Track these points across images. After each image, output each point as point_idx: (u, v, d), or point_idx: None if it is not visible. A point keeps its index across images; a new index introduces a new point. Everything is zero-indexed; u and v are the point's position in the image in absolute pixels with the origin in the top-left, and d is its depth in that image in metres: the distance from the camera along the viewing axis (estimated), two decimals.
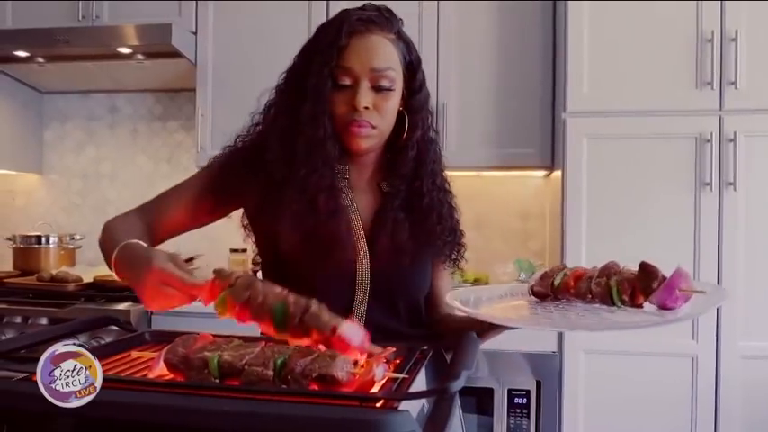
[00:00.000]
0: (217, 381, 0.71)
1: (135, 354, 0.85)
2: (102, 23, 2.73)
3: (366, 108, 1.07)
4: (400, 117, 1.15)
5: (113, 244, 0.98)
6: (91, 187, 3.21)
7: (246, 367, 0.70)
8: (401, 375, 0.74)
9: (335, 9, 2.63)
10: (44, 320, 2.40)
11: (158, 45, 2.59)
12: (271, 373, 0.70)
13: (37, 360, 0.65)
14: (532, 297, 1.08)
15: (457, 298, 1.04)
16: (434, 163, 1.18)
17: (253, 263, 2.85)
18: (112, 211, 3.40)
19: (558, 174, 2.40)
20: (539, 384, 2.24)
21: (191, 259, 2.94)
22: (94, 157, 3.21)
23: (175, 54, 2.62)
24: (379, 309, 1.12)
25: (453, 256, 1.20)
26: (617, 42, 2.22)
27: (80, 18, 2.75)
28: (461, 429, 1.05)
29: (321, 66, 1.07)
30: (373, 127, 1.09)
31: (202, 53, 2.72)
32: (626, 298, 0.94)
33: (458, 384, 0.64)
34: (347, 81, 1.08)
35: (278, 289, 0.81)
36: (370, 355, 0.77)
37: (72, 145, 3.23)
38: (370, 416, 0.63)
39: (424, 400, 0.75)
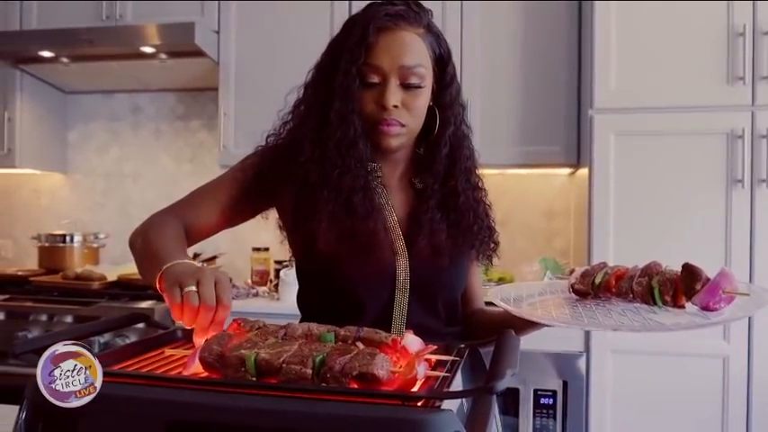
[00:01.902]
0: (254, 379, 0.70)
1: (168, 351, 0.84)
2: (126, 23, 2.75)
3: (395, 106, 1.06)
4: (431, 112, 1.12)
5: (157, 256, 0.95)
6: (114, 187, 3.23)
7: (284, 366, 0.69)
8: (442, 374, 0.73)
9: (358, 8, 2.64)
10: (69, 318, 2.42)
11: (181, 44, 2.59)
12: (309, 371, 0.68)
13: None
14: (572, 294, 1.06)
15: (498, 296, 1.03)
16: (468, 159, 1.16)
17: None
18: (136, 211, 3.46)
19: (583, 171, 2.37)
20: (565, 385, 2.21)
21: (213, 258, 2.95)
22: (118, 156, 3.23)
23: (198, 53, 2.63)
24: (419, 307, 1.11)
25: (488, 254, 1.19)
26: (644, 37, 2.18)
27: (104, 18, 2.77)
28: (497, 428, 1.03)
29: (349, 64, 1.05)
30: (403, 125, 1.08)
31: (225, 52, 2.72)
32: (668, 299, 0.93)
33: (503, 383, 0.62)
34: (375, 79, 1.06)
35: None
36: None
37: (96, 145, 3.25)
38: (414, 415, 0.61)
39: (462, 399, 0.73)
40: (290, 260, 1.28)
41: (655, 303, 0.94)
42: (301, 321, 1.18)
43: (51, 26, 2.77)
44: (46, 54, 2.71)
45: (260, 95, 2.70)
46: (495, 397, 0.85)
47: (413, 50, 1.06)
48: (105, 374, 0.71)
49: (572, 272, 1.11)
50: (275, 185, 1.13)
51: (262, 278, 2.82)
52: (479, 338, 1.17)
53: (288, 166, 1.11)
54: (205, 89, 3.03)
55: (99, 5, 2.78)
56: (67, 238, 2.98)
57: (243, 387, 0.67)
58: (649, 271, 0.97)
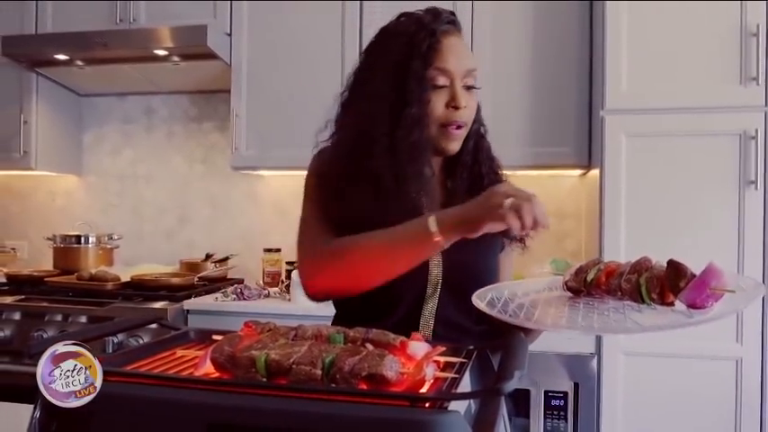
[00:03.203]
0: (264, 379, 0.71)
1: (180, 352, 0.86)
2: (139, 26, 2.78)
3: (465, 107, 1.11)
4: None
5: (402, 229, 1.03)
6: (128, 188, 3.26)
7: (294, 366, 0.70)
8: (451, 375, 0.73)
9: (369, 9, 2.67)
10: (83, 318, 2.44)
11: (194, 47, 2.62)
12: (319, 372, 0.69)
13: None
14: (566, 293, 1.05)
15: (488, 294, 0.99)
16: (488, 150, 1.23)
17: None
18: (149, 212, 3.49)
19: (594, 173, 2.36)
20: (576, 386, 2.20)
21: (225, 259, 2.97)
22: (131, 158, 3.26)
23: (210, 55, 2.65)
24: (450, 303, 1.12)
25: (514, 236, 1.18)
26: (656, 37, 2.17)
27: (117, 21, 2.80)
28: (506, 430, 1.03)
29: (420, 68, 1.09)
30: (467, 126, 1.14)
31: (237, 54, 2.74)
32: (655, 296, 0.91)
33: (511, 385, 0.63)
34: (444, 82, 1.11)
35: None
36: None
37: (109, 147, 3.29)
38: (422, 416, 0.62)
39: (470, 401, 0.73)
40: None
41: (643, 301, 0.92)
42: (335, 320, 1.23)
43: (66, 29, 2.80)
44: (61, 57, 2.74)
45: (272, 97, 2.72)
46: (503, 398, 0.85)
47: (470, 54, 1.16)
48: (116, 374, 0.73)
49: None
50: (341, 189, 1.14)
51: (273, 279, 2.84)
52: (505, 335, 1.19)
53: (354, 169, 1.12)
54: (217, 91, 3.05)
55: (113, 9, 2.81)
56: (82, 240, 3.02)
57: (254, 387, 0.68)
58: (638, 267, 0.95)
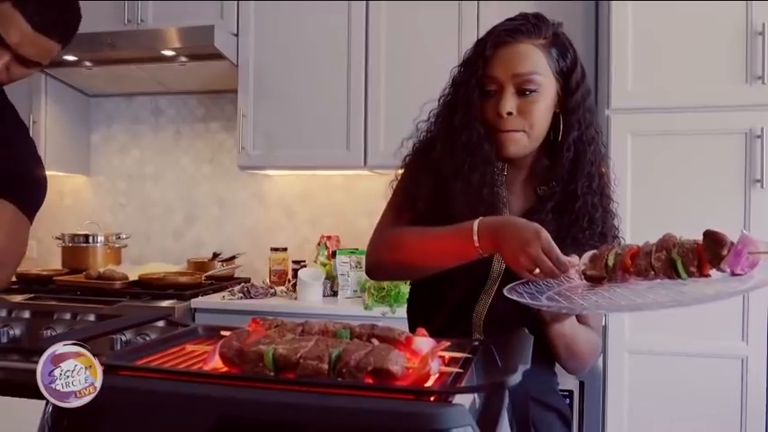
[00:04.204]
0: (272, 374, 0.72)
1: (189, 347, 0.87)
2: (147, 27, 2.80)
3: (509, 113, 1.12)
4: (557, 119, 1.18)
5: (452, 229, 1.09)
6: (135, 188, 3.28)
7: (302, 361, 0.71)
8: (455, 370, 0.74)
9: (375, 9, 2.68)
10: (92, 317, 2.47)
11: (201, 47, 2.64)
12: (326, 366, 0.70)
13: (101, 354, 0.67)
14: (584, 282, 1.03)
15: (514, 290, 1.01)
16: (592, 165, 1.18)
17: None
18: (156, 211, 3.51)
19: None
20: (582, 385, 2.21)
21: (232, 258, 2.99)
22: (139, 158, 3.29)
23: (217, 56, 2.67)
24: (505, 303, 1.10)
25: None
26: (661, 37, 2.18)
27: (126, 22, 2.82)
28: (510, 427, 1.04)
29: (470, 76, 1.15)
30: (521, 131, 1.14)
31: (244, 54, 2.76)
32: (693, 269, 0.91)
33: (515, 378, 0.64)
34: (493, 88, 1.14)
35: None
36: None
37: (117, 147, 3.31)
38: (426, 409, 0.63)
39: (474, 395, 0.74)
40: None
41: (678, 276, 0.92)
42: (411, 293, 1.33)
43: None
44: (69, 58, 2.76)
45: (278, 97, 2.74)
46: (507, 393, 0.86)
47: (527, 59, 1.13)
48: (127, 369, 0.74)
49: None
50: (422, 186, 1.20)
51: (280, 278, 2.86)
52: (555, 355, 1.21)
53: (427, 167, 1.20)
54: (224, 91, 3.07)
55: (121, 10, 2.83)
56: (90, 239, 3.04)
57: (262, 381, 0.70)
58: (666, 244, 0.94)
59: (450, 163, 1.16)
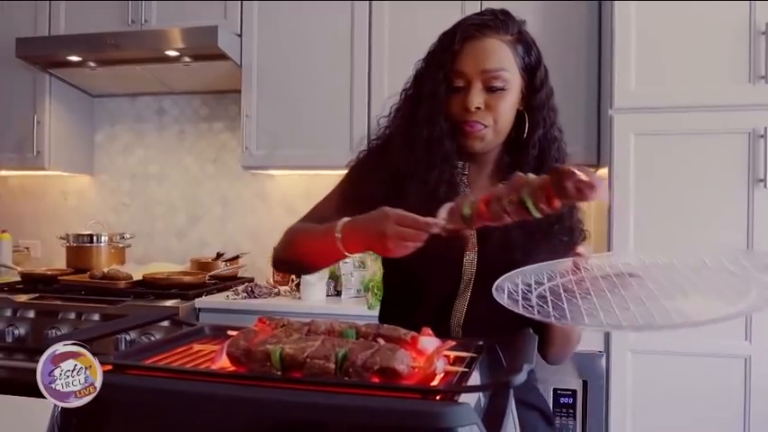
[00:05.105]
0: (279, 373, 0.73)
1: (197, 347, 0.88)
2: (151, 27, 2.81)
3: (478, 108, 1.12)
4: (521, 116, 1.18)
5: (323, 231, 1.06)
6: (139, 188, 3.29)
7: (308, 360, 0.72)
8: (461, 369, 0.75)
9: (378, 9, 2.68)
10: (96, 316, 2.48)
11: (204, 47, 2.65)
12: (332, 366, 0.71)
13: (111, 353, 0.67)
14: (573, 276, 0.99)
15: (505, 286, 0.95)
16: (557, 161, 1.19)
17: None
18: (160, 211, 3.52)
19: (603, 171, 2.36)
20: (585, 384, 2.21)
21: (236, 258, 3.00)
22: (143, 158, 3.30)
23: (221, 56, 2.68)
24: (482, 300, 1.12)
25: (569, 256, 1.19)
26: (664, 36, 2.18)
27: (129, 23, 2.83)
28: (514, 426, 1.05)
29: (437, 70, 1.15)
30: (486, 126, 1.14)
31: (247, 55, 2.77)
32: (543, 206, 0.89)
33: (520, 378, 0.64)
34: (460, 83, 1.14)
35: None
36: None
37: (121, 147, 3.32)
38: (432, 408, 0.63)
39: (480, 394, 0.75)
40: None
41: (530, 214, 0.90)
42: (383, 303, 1.30)
43: (79, 31, 2.83)
44: (74, 58, 2.78)
45: (282, 97, 2.74)
46: (512, 392, 0.87)
47: (495, 56, 1.13)
48: (136, 368, 0.75)
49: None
50: (374, 184, 1.19)
51: (283, 278, 2.86)
52: (545, 348, 1.20)
53: (382, 164, 1.19)
54: (228, 91, 3.08)
55: (125, 10, 2.84)
56: (94, 239, 3.05)
57: (271, 380, 0.70)
58: (515, 185, 0.92)
59: (407, 160, 1.15)
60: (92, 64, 2.84)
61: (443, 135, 1.14)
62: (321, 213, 1.24)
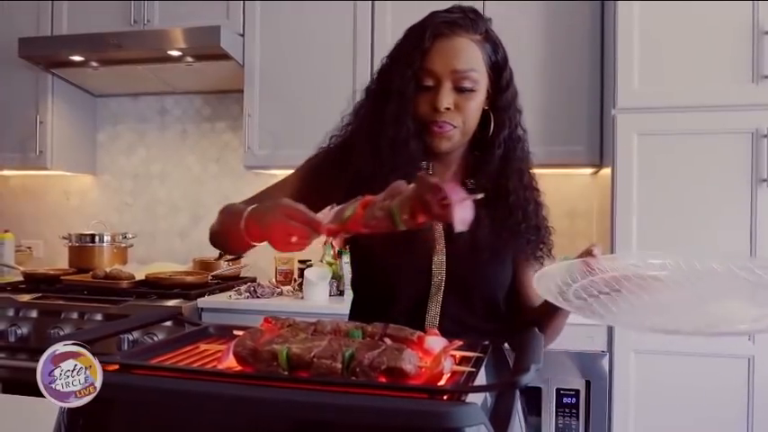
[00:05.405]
0: (286, 373, 0.73)
1: (203, 346, 0.88)
2: (153, 27, 2.81)
3: (447, 109, 1.11)
4: (486, 115, 1.17)
5: (238, 213, 1.03)
6: (142, 187, 3.29)
7: (315, 360, 0.71)
8: (468, 369, 0.75)
9: (381, 9, 2.68)
10: (99, 316, 2.48)
11: (207, 47, 2.65)
12: (339, 365, 0.71)
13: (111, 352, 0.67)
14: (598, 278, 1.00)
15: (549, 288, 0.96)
16: (521, 161, 1.19)
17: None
18: (162, 211, 3.52)
19: (606, 171, 2.36)
20: (588, 384, 2.21)
21: (238, 257, 3.00)
22: (145, 157, 3.30)
23: (223, 56, 2.68)
24: (455, 302, 1.14)
25: (537, 254, 1.20)
26: (667, 36, 2.18)
27: (132, 23, 2.83)
28: (521, 426, 1.05)
29: (405, 68, 1.12)
30: (454, 127, 1.12)
31: (250, 55, 2.77)
32: (406, 217, 0.85)
33: (528, 378, 0.64)
34: (430, 82, 1.11)
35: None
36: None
37: (123, 146, 3.32)
38: (440, 408, 0.63)
39: (486, 394, 0.75)
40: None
41: (396, 225, 0.87)
42: (352, 306, 1.28)
43: (81, 31, 2.83)
44: (76, 58, 2.78)
45: (284, 97, 2.74)
46: (518, 392, 0.87)
47: (466, 56, 1.12)
48: (142, 368, 0.75)
49: (588, 251, 1.07)
50: (331, 184, 1.18)
51: (286, 278, 2.86)
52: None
53: (344, 164, 1.17)
54: (230, 91, 3.08)
55: (127, 10, 2.85)
56: (96, 239, 3.05)
57: (278, 380, 0.70)
58: (392, 193, 0.89)
59: (370, 161, 1.13)
60: (94, 64, 2.84)
61: (410, 135, 1.11)
62: (268, 199, 1.23)
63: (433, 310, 1.14)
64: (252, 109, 2.77)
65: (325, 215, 0.93)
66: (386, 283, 1.14)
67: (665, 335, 0.79)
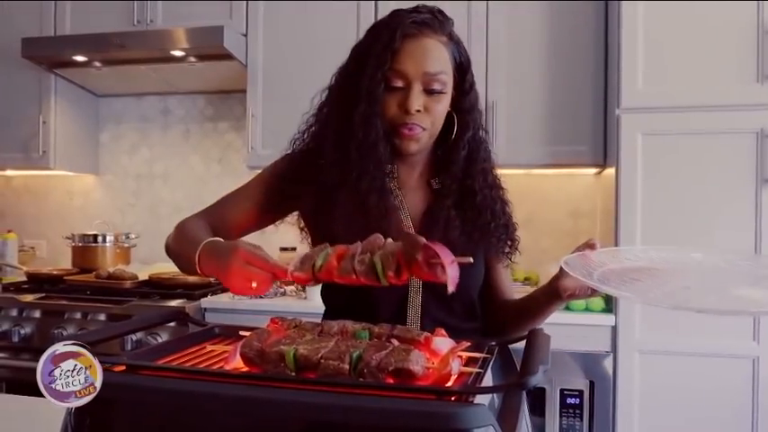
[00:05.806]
0: (293, 374, 0.73)
1: (209, 347, 0.88)
2: (156, 27, 2.81)
3: (418, 111, 1.09)
4: (450, 116, 1.16)
5: (193, 241, 1.02)
6: (145, 187, 3.29)
7: (323, 361, 0.71)
8: (475, 370, 0.75)
9: (384, 9, 2.68)
10: (102, 316, 2.48)
11: (210, 47, 2.65)
12: (347, 366, 0.70)
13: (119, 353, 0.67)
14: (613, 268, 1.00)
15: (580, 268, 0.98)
16: (485, 161, 1.19)
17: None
18: (165, 211, 3.52)
19: (610, 171, 2.36)
20: (592, 385, 2.21)
21: None
22: (148, 157, 3.30)
23: (226, 56, 2.68)
24: (434, 304, 1.13)
25: (506, 251, 1.21)
26: (672, 36, 2.17)
27: (135, 23, 2.84)
28: (527, 427, 1.04)
29: (375, 68, 1.09)
30: (424, 129, 1.11)
31: (253, 55, 2.77)
32: (391, 273, 0.85)
33: (536, 379, 0.64)
34: (400, 83, 1.09)
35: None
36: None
37: (126, 146, 3.32)
38: (448, 409, 0.63)
39: (493, 395, 0.75)
40: None
41: (379, 281, 0.86)
42: (324, 316, 1.24)
43: (84, 31, 2.83)
44: (79, 58, 2.78)
45: (287, 97, 2.74)
46: (524, 393, 0.87)
47: (436, 57, 1.10)
48: (149, 368, 0.75)
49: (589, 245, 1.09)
50: (297, 188, 1.17)
51: None
52: (509, 330, 1.21)
53: (310, 168, 1.15)
54: (233, 91, 3.08)
55: (130, 10, 2.85)
56: (99, 239, 3.05)
57: (286, 381, 0.70)
58: (370, 246, 0.88)
59: (337, 166, 1.10)
60: (97, 64, 2.84)
61: (378, 138, 1.09)
62: (229, 210, 1.23)
63: (414, 315, 1.13)
64: (255, 109, 2.77)
65: (286, 259, 0.92)
66: (365, 291, 1.12)
67: (695, 313, 0.80)
